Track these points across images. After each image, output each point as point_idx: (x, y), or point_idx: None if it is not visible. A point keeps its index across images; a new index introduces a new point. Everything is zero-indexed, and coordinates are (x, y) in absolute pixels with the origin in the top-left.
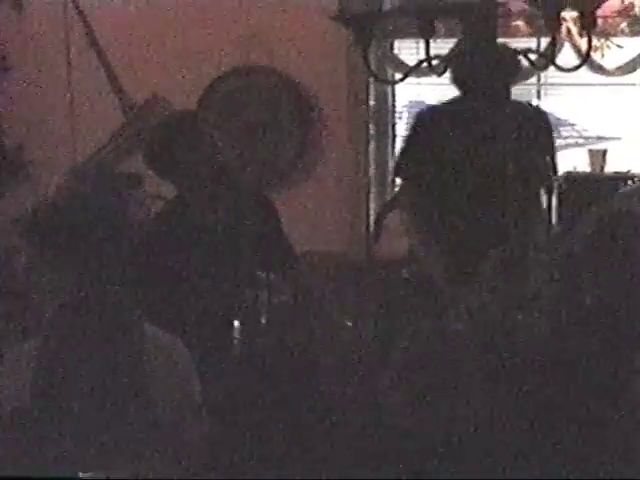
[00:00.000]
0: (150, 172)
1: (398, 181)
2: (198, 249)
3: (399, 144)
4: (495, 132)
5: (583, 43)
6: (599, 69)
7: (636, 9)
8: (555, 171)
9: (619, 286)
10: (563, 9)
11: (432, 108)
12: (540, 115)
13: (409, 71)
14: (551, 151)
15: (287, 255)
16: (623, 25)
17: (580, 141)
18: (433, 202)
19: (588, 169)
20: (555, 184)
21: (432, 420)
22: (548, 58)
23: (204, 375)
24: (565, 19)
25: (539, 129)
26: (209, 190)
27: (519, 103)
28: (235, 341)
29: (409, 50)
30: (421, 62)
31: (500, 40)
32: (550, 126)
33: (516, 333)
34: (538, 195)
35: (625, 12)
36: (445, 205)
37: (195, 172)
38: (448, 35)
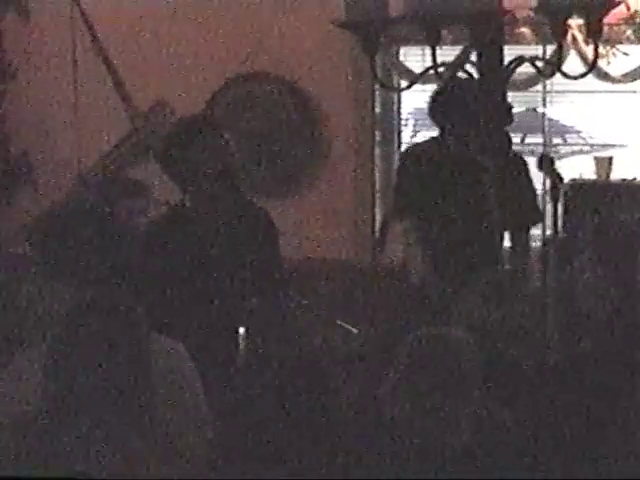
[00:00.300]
0: (155, 179)
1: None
2: (195, 255)
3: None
4: (477, 170)
5: (589, 50)
6: (605, 76)
7: None
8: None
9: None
10: (569, 17)
11: (415, 147)
12: (519, 159)
13: (416, 78)
14: (532, 191)
15: (277, 275)
16: (629, 32)
17: (586, 148)
18: (433, 237)
19: (594, 176)
20: (561, 192)
21: (433, 426)
22: (554, 65)
23: (204, 379)
24: (571, 26)
25: (518, 172)
26: (214, 197)
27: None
28: (234, 346)
29: (415, 57)
30: (427, 69)
31: (507, 48)
32: (529, 172)
33: (515, 341)
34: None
35: (631, 19)
36: (443, 238)
37: (204, 176)
38: (454, 42)
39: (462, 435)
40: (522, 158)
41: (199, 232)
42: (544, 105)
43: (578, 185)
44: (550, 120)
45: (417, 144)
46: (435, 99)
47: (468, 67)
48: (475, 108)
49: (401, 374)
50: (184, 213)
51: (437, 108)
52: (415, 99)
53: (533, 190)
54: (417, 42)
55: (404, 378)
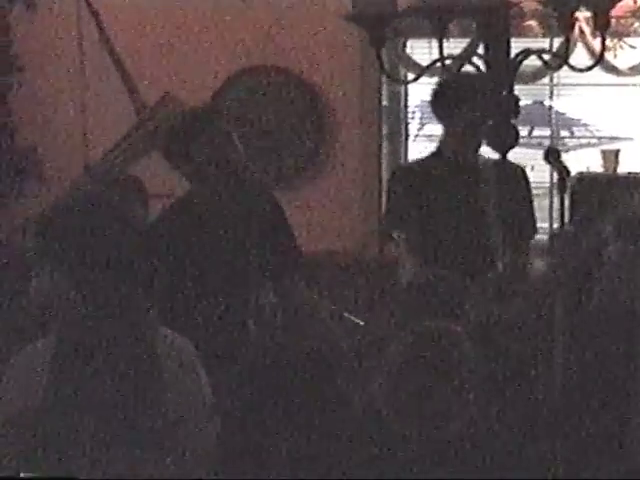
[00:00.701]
0: (161, 171)
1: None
2: (204, 247)
3: (412, 144)
4: (474, 185)
5: (596, 43)
6: (612, 69)
7: None
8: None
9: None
10: (577, 9)
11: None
12: (519, 172)
13: (423, 71)
14: (529, 206)
15: (291, 257)
16: (636, 25)
17: (593, 141)
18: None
19: (601, 169)
20: (567, 184)
21: (428, 422)
22: (561, 58)
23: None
24: (578, 19)
25: (517, 186)
26: (219, 186)
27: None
28: (242, 339)
29: (422, 50)
30: (434, 62)
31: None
32: (529, 183)
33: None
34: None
35: (638, 12)
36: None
37: (208, 167)
38: (461, 35)
39: (458, 430)
40: (522, 169)
41: (205, 223)
42: (551, 98)
43: (585, 178)
44: (557, 113)
45: (410, 163)
46: (437, 93)
47: (475, 60)
48: (480, 100)
49: (396, 369)
50: (191, 204)
51: (440, 102)
52: (422, 92)
53: (530, 202)
54: (424, 35)
55: (399, 373)
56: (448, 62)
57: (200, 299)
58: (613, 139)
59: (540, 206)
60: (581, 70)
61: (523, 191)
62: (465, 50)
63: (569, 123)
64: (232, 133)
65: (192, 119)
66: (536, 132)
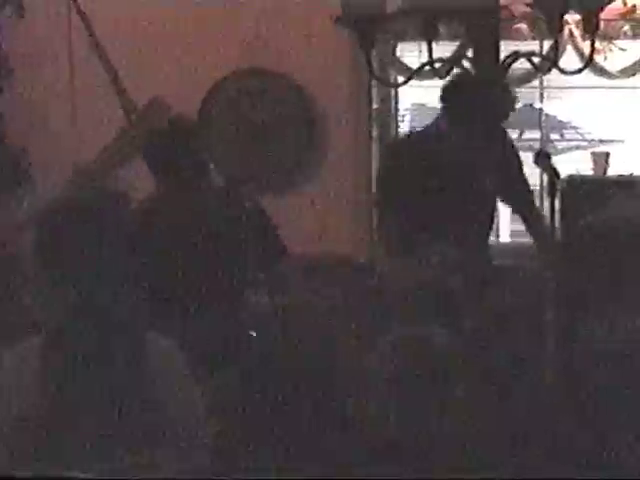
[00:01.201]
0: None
1: None
2: (175, 249)
3: None
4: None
5: (586, 46)
6: (602, 72)
7: (639, 12)
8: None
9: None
10: (566, 12)
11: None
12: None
13: (412, 74)
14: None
15: (275, 261)
16: (626, 28)
17: (583, 144)
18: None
19: (591, 172)
20: (558, 187)
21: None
22: (551, 61)
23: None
24: (568, 22)
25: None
26: (194, 194)
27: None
28: (239, 341)
29: (412, 53)
30: (424, 65)
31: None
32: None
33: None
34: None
35: (628, 15)
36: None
37: (187, 175)
38: (451, 38)
39: (445, 436)
40: (504, 131)
41: (171, 225)
42: (541, 101)
43: (575, 180)
44: (547, 116)
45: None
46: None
47: (465, 63)
48: (474, 102)
49: (380, 377)
50: (158, 207)
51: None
52: (412, 94)
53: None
54: (413, 38)
55: (384, 381)
56: (437, 65)
57: (191, 303)
58: (603, 141)
59: None
60: (571, 73)
61: (513, 156)
62: (455, 53)
63: (559, 126)
64: (203, 141)
65: (173, 130)
66: (526, 135)
